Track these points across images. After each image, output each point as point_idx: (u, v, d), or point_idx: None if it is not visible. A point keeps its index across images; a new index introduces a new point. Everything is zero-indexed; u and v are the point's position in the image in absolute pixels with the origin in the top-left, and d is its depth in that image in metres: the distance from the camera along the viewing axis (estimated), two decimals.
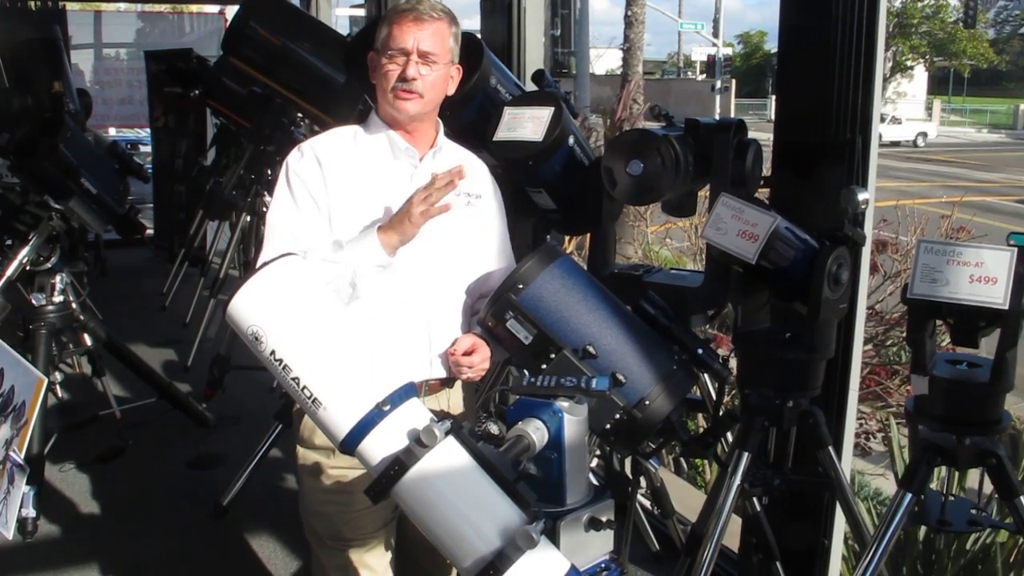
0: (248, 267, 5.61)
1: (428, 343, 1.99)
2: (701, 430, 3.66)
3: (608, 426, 1.72)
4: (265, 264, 1.38)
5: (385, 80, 1.96)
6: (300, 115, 4.96)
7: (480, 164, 2.18)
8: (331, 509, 2.01)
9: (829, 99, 2.36)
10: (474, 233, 2.08)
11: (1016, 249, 1.77)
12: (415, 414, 1.30)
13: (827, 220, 2.08)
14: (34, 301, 3.69)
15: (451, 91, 2.06)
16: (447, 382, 2.07)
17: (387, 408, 1.29)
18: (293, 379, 1.31)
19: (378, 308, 1.93)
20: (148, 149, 9.65)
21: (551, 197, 2.52)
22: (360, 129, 2.05)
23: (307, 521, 2.08)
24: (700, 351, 1.90)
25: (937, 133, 29.66)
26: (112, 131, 10.24)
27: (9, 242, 3.65)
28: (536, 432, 1.31)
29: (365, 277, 1.86)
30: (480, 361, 1.96)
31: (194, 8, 11.15)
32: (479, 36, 2.95)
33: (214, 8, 10.75)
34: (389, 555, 2.07)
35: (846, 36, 2.32)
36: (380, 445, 1.28)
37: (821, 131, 2.40)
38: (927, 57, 40.40)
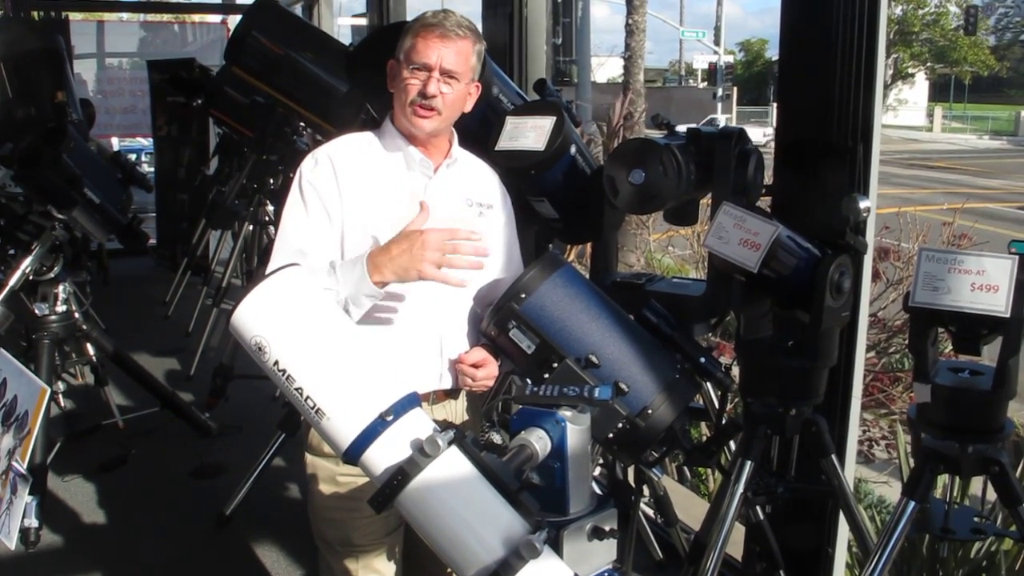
0: (251, 276, 5.62)
1: (440, 354, 1.99)
2: (704, 438, 3.66)
3: (611, 435, 1.72)
4: (269, 274, 1.38)
5: (404, 93, 1.95)
6: (302, 124, 4.98)
7: (491, 173, 2.19)
8: (340, 515, 2.01)
9: (830, 106, 2.36)
10: (486, 243, 2.08)
11: (1017, 257, 1.77)
12: (418, 424, 1.30)
13: (828, 227, 2.08)
14: (37, 311, 3.70)
15: (467, 108, 2.05)
16: (453, 392, 2.07)
17: (390, 418, 1.29)
18: (296, 389, 1.32)
19: (392, 320, 1.94)
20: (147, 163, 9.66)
21: (553, 206, 2.53)
22: (374, 136, 2.04)
23: (316, 527, 2.08)
24: (703, 359, 1.90)
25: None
26: (115, 141, 10.25)
27: (12, 252, 3.66)
28: (539, 441, 1.31)
29: (357, 303, 1.82)
30: (485, 376, 1.96)
31: (196, 18, 11.22)
32: None
33: (216, 18, 10.80)
34: (397, 559, 2.07)
35: (847, 43, 2.32)
36: (383, 455, 1.28)
37: (822, 137, 2.40)
38: (928, 64, 40.44)
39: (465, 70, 1.98)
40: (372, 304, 1.85)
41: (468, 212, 2.06)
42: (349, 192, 1.94)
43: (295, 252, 1.87)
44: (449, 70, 1.94)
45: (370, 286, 1.80)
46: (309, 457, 2.04)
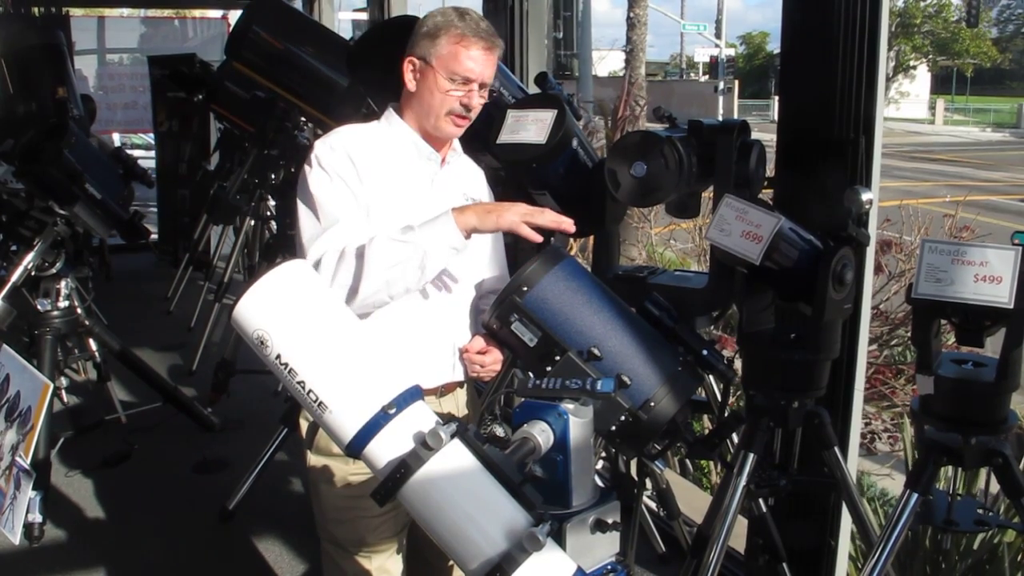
0: (252, 271, 5.63)
1: (453, 346, 2.00)
2: (706, 431, 3.66)
3: (613, 428, 1.72)
4: (274, 267, 1.38)
5: (441, 104, 1.94)
6: (303, 119, 4.97)
7: (479, 170, 2.22)
8: (353, 515, 1.99)
9: (832, 99, 2.36)
10: (484, 236, 2.08)
11: (1021, 248, 1.76)
12: (421, 417, 1.30)
13: (830, 219, 2.08)
14: (39, 306, 3.71)
15: None
16: (460, 383, 2.09)
17: (392, 411, 1.28)
18: (299, 383, 1.31)
19: (408, 316, 1.94)
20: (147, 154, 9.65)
21: (555, 199, 2.52)
22: (381, 126, 2.05)
23: (326, 529, 2.06)
24: (705, 352, 1.89)
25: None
26: (116, 137, 10.25)
27: (14, 248, 3.66)
28: (541, 434, 1.31)
29: (436, 259, 1.82)
30: (492, 362, 1.96)
31: (197, 13, 11.18)
32: None
33: (217, 13, 10.78)
34: (404, 556, 2.07)
35: (849, 36, 2.32)
36: (386, 448, 1.28)
37: (825, 130, 2.40)
38: (930, 57, 40.37)
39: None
40: (449, 261, 1.85)
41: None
42: (369, 177, 1.93)
43: (340, 227, 1.86)
44: (487, 83, 1.98)
45: (453, 232, 1.80)
46: (316, 458, 2.02)
